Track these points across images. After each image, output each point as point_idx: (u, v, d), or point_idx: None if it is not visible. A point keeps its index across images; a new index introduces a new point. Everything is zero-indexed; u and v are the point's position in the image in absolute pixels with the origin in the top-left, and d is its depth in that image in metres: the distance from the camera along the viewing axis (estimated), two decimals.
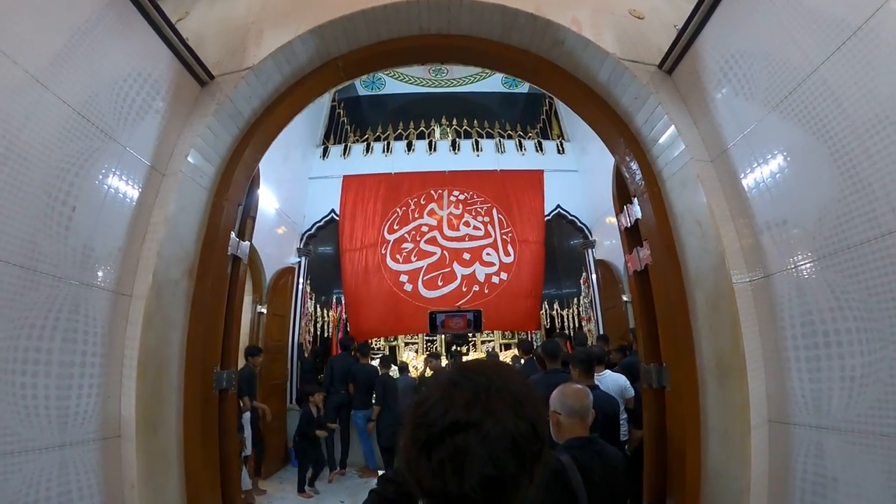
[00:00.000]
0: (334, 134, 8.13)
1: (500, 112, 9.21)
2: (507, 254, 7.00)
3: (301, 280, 6.96)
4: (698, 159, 2.14)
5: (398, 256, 6.86)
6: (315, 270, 7.90)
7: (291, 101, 2.69)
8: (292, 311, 6.67)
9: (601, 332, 6.92)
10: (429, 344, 7.98)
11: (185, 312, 2.14)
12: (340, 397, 5.61)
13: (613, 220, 6.89)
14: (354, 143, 7.88)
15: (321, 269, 8.07)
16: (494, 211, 7.19)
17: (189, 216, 2.22)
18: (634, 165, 2.40)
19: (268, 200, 6.22)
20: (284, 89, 2.67)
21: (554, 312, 8.14)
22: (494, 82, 9.64)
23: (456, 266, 6.87)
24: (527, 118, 8.90)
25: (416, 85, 9.43)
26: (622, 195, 2.63)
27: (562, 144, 7.73)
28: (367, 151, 7.69)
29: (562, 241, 8.90)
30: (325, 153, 7.72)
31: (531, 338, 7.84)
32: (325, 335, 7.60)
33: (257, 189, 3.08)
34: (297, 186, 7.26)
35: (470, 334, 7.92)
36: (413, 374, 6.42)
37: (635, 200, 2.40)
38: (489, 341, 8.11)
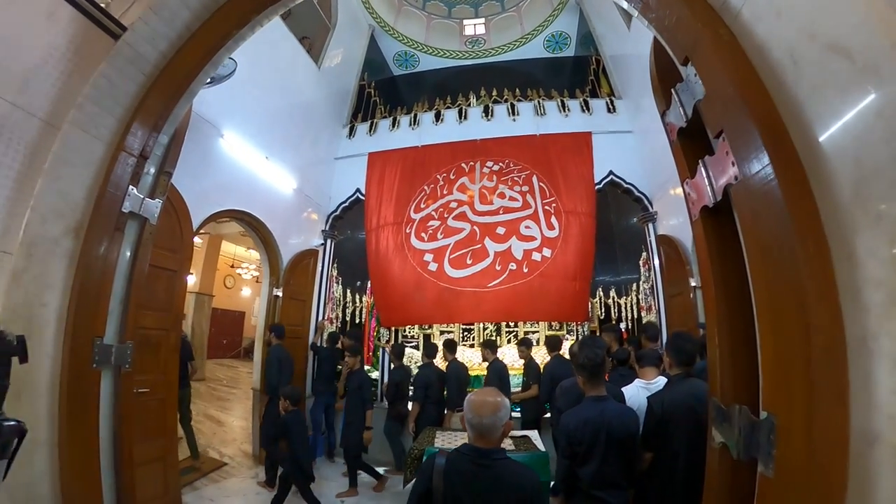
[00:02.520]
0: (364, 115, 7.30)
1: (545, 80, 7.76)
2: (550, 227, 5.64)
3: (326, 263, 6.24)
4: None
5: (423, 234, 5.84)
6: (350, 254, 7.20)
7: (203, 34, 2.20)
8: (315, 295, 5.97)
9: (664, 324, 5.34)
10: (465, 333, 6.88)
11: (67, 274, 1.83)
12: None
13: (679, 190, 5.32)
14: (382, 118, 6.95)
15: (355, 253, 7.34)
16: (535, 178, 5.84)
17: (77, 169, 1.92)
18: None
19: (285, 181, 5.56)
20: (199, 25, 2.20)
21: (610, 301, 6.62)
22: (536, 47, 8.19)
23: (488, 242, 5.67)
24: (575, 83, 7.34)
25: (452, 58, 8.30)
26: (666, 77, 1.32)
27: (612, 102, 6.12)
28: (394, 126, 6.72)
29: (619, 218, 7.27)
30: (351, 132, 6.93)
31: (584, 330, 6.40)
32: (358, 321, 6.86)
33: (180, 143, 2.53)
34: (323, 168, 6.58)
35: (509, 323, 6.63)
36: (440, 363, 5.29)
37: (689, 69, 1.09)
38: (534, 332, 6.78)
